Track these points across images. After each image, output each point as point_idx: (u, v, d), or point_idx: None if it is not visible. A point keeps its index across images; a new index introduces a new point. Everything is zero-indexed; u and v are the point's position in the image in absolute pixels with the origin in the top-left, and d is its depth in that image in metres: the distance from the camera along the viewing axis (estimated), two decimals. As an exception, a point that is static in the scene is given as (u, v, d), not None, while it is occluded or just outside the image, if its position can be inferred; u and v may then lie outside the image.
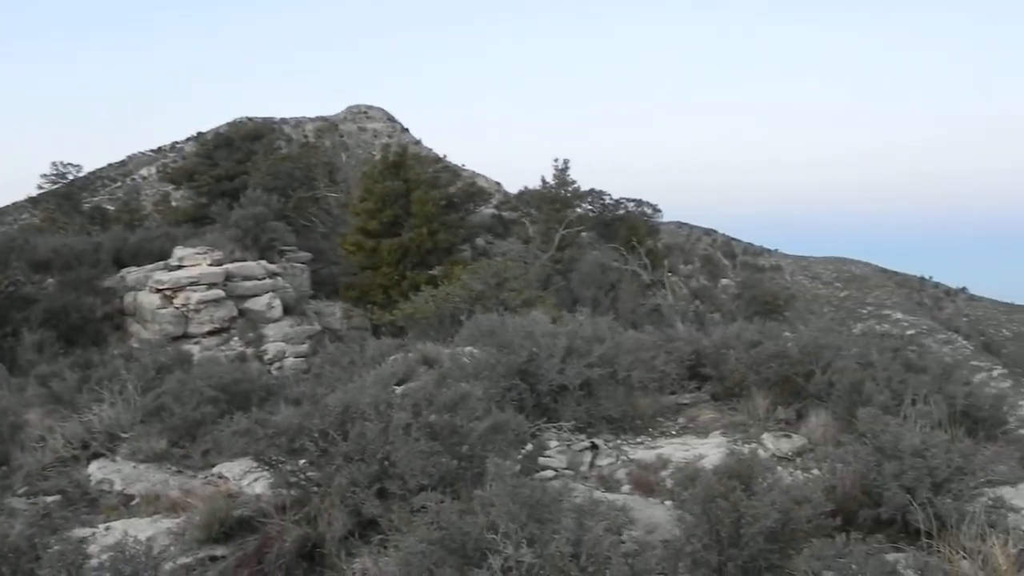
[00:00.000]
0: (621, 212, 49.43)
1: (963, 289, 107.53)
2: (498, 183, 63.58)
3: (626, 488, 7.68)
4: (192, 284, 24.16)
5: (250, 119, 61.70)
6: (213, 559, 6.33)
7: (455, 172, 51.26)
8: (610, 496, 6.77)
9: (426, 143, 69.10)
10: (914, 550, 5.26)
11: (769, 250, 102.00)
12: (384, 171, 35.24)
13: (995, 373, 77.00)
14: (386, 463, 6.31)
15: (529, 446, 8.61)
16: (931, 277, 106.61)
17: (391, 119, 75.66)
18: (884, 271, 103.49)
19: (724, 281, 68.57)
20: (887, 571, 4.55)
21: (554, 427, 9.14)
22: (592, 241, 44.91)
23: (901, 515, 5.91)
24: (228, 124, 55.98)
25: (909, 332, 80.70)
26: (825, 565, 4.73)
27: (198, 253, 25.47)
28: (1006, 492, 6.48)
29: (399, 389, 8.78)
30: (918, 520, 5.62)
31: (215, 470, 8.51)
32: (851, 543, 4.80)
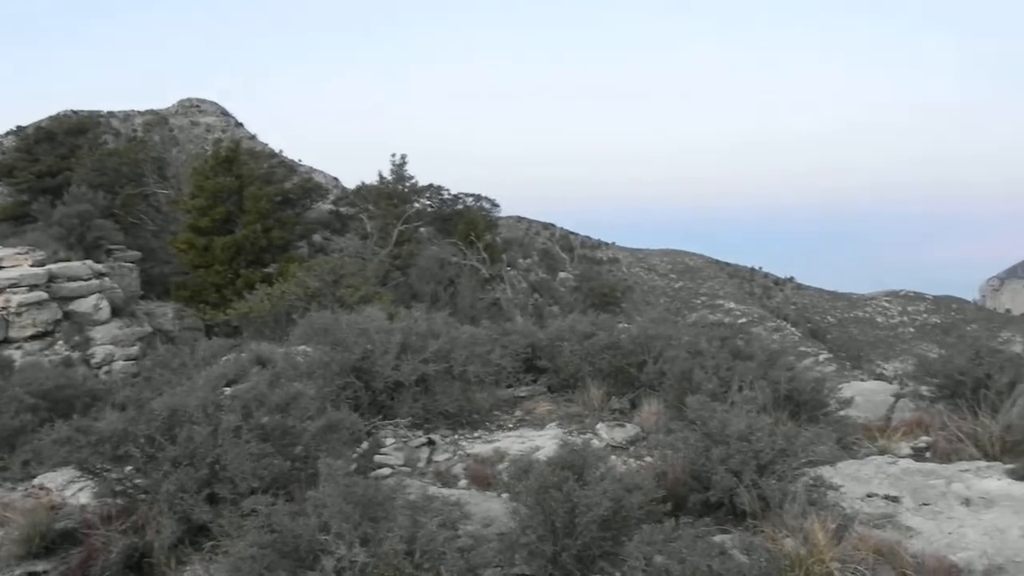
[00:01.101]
0: (460, 207, 49.80)
1: (791, 279, 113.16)
2: (336, 178, 63.03)
3: (463, 483, 7.85)
4: (12, 286, 23.23)
5: (75, 112, 59.22)
6: (33, 575, 6.15)
7: (291, 167, 50.60)
8: (446, 491, 6.91)
9: (263, 138, 67.71)
10: (740, 531, 5.60)
11: (607, 243, 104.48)
12: (216, 167, 34.49)
13: (821, 357, 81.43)
14: (216, 467, 6.26)
15: (365, 444, 8.66)
16: (761, 268, 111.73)
17: (225, 113, 73.80)
18: (717, 262, 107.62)
19: (562, 274, 69.77)
20: (714, 552, 4.84)
21: (390, 424, 9.24)
22: (431, 236, 45.11)
23: (729, 498, 6.28)
24: (50, 118, 53.41)
25: (741, 320, 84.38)
26: (656, 550, 4.99)
27: (18, 253, 24.45)
28: (826, 471, 6.96)
29: (229, 391, 8.67)
30: (744, 502, 5.98)
31: (36, 481, 8.22)
32: (680, 527, 5.08)
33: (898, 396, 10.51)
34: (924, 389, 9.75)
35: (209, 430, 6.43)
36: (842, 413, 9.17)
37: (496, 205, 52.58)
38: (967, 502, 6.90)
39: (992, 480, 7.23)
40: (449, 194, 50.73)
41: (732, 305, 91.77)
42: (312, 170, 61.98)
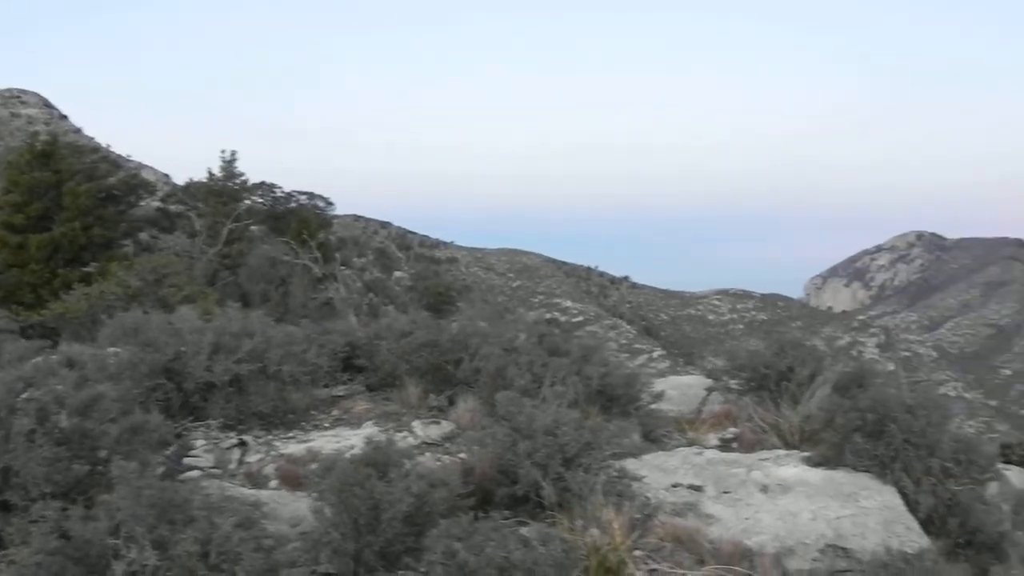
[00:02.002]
0: (293, 205, 48.87)
1: (626, 278, 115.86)
2: (167, 175, 60.82)
3: (274, 483, 7.77)
4: None
5: None
6: None
7: (115, 163, 48.46)
8: (248, 492, 6.85)
9: (89, 132, 64.60)
10: (540, 523, 5.74)
11: (445, 242, 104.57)
12: (32, 161, 32.77)
13: (655, 354, 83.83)
14: (8, 473, 6.02)
15: (174, 447, 8.46)
16: (597, 267, 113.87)
17: (48, 105, 70.23)
18: (554, 261, 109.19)
19: (398, 273, 69.35)
20: (512, 545, 4.95)
21: (202, 426, 9.04)
22: (263, 235, 44.13)
23: (535, 491, 6.41)
24: None
25: (577, 319, 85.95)
26: (456, 543, 5.07)
27: None
28: (631, 463, 7.21)
29: (26, 394, 8.32)
30: (547, 495, 6.14)
31: None
32: (479, 520, 5.17)
33: (710, 390, 10.95)
34: (733, 382, 10.20)
35: (0, 435, 6.18)
36: (654, 407, 9.51)
37: (330, 203, 51.89)
38: (765, 489, 7.27)
39: (789, 468, 7.64)
40: (282, 192, 49.73)
41: (569, 304, 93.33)
42: (141, 166, 59.76)
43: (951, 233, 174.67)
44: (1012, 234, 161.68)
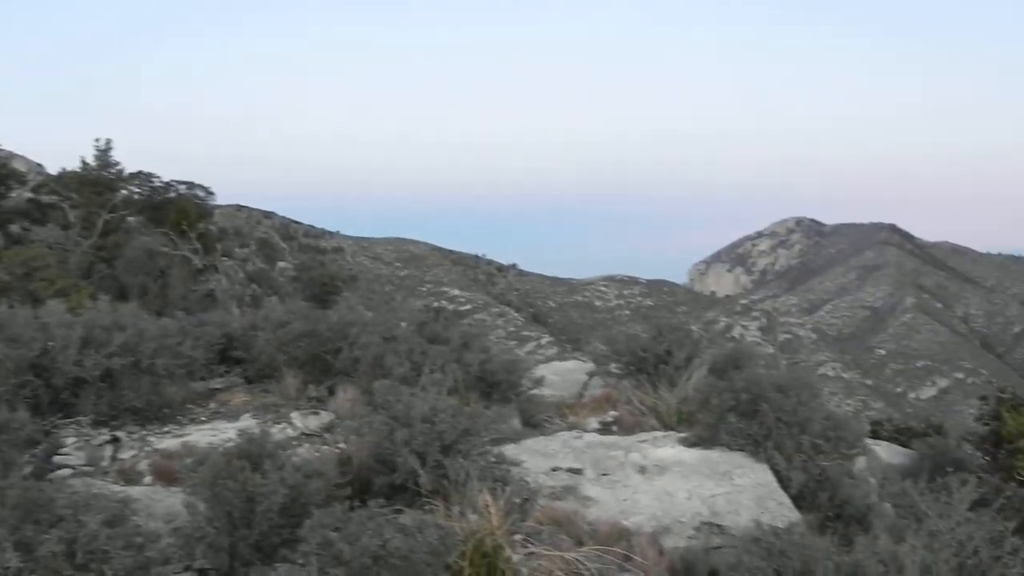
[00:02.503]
0: (172, 195, 47.59)
1: (514, 265, 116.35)
2: (39, 164, 58.53)
3: (148, 480, 7.59)
4: None
5: None
6: None
7: (-17, 153, 46.43)
8: (124, 489, 6.68)
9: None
10: (414, 511, 5.73)
11: (331, 232, 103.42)
12: None
13: (543, 341, 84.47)
14: None
15: (42, 445, 8.19)
16: (484, 255, 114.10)
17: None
18: (441, 250, 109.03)
19: (282, 264, 68.33)
20: (387, 533, 4.93)
21: (73, 423, 8.77)
22: (140, 226, 42.89)
23: (414, 479, 6.40)
24: None
25: (465, 307, 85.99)
26: (331, 533, 5.03)
27: None
28: (511, 449, 7.26)
29: None
30: (424, 483, 6.14)
31: None
32: (355, 510, 5.14)
33: (591, 374, 11.09)
34: (613, 367, 10.35)
35: None
36: (534, 392, 9.58)
37: (210, 193, 50.76)
38: (643, 470, 7.40)
39: (667, 448, 7.80)
40: (160, 181, 48.45)
41: (457, 292, 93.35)
42: (12, 155, 57.51)
43: (829, 219, 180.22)
44: (886, 219, 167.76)
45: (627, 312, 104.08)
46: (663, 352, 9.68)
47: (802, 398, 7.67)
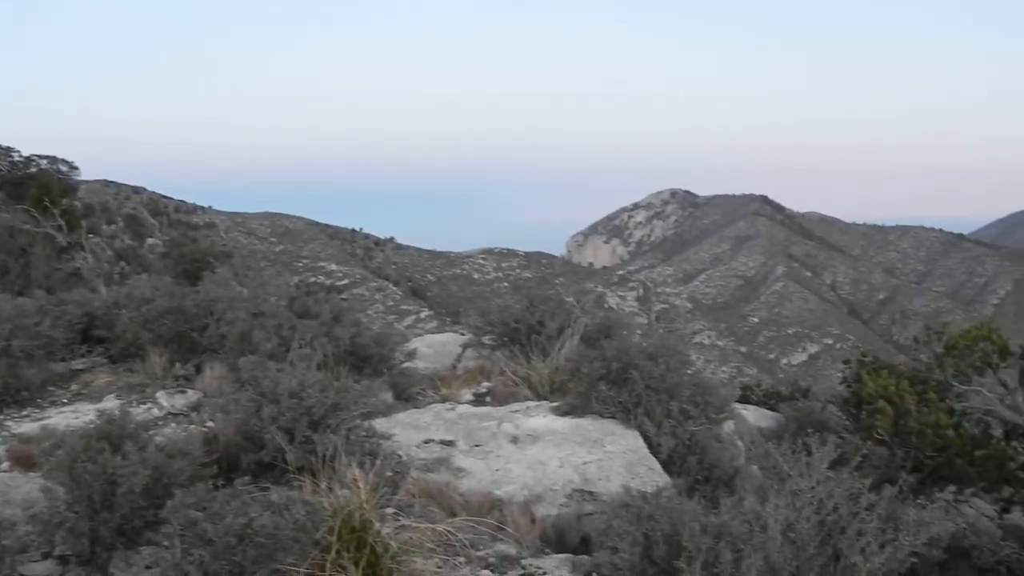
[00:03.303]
0: (33, 170, 45.75)
1: (391, 239, 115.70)
2: None
3: (5, 465, 7.31)
4: None
5: None
6: None
7: None
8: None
9: None
10: (281, 487, 5.65)
11: (203, 207, 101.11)
12: None
13: (423, 314, 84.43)
14: None
15: None
16: (361, 229, 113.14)
17: None
18: (317, 224, 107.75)
19: (151, 240, 66.49)
20: (254, 510, 4.85)
21: (-78, 410, 8.40)
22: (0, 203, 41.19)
23: (282, 456, 6.31)
24: None
25: (343, 282, 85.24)
26: (195, 513, 4.92)
27: None
28: (382, 422, 7.22)
29: None
30: (291, 459, 6.06)
31: None
32: (219, 489, 5.05)
33: (465, 346, 11.10)
34: (486, 338, 10.37)
35: None
36: (407, 365, 9.55)
37: (75, 167, 49.09)
38: (515, 440, 7.46)
39: (539, 418, 7.87)
40: (20, 156, 46.59)
41: (334, 267, 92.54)
42: None
43: (702, 191, 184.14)
44: (757, 191, 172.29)
45: (505, 284, 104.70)
46: (535, 323, 9.75)
47: (671, 365, 7.82)
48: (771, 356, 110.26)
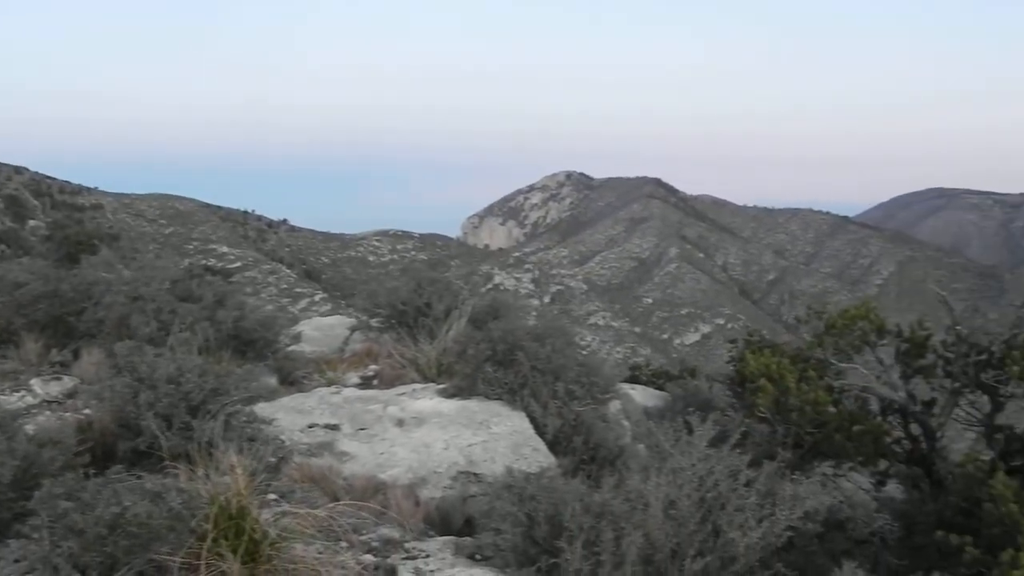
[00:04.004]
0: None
1: (285, 221, 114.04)
2: None
3: None
4: None
5: None
6: None
7: None
8: None
9: None
10: (155, 475, 5.53)
11: (89, 188, 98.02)
12: None
13: (317, 297, 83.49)
14: None
15: None
16: (254, 210, 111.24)
17: None
18: (208, 206, 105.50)
19: (33, 222, 64.39)
20: (127, 499, 4.73)
21: None
22: None
23: (160, 443, 6.17)
24: None
25: (235, 265, 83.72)
26: (67, 501, 4.79)
27: None
28: (265, 407, 7.12)
29: None
30: (167, 447, 5.94)
31: None
32: (89, 477, 4.92)
33: (353, 329, 11.02)
34: (374, 321, 10.31)
35: None
36: (292, 349, 9.43)
37: (-58, 149, 47.32)
38: (401, 423, 7.43)
39: (425, 400, 7.86)
40: None
41: (226, 249, 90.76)
42: None
43: (597, 173, 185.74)
44: (651, 174, 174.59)
45: (401, 267, 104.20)
46: (423, 305, 9.73)
47: (556, 346, 7.88)
48: (665, 336, 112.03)
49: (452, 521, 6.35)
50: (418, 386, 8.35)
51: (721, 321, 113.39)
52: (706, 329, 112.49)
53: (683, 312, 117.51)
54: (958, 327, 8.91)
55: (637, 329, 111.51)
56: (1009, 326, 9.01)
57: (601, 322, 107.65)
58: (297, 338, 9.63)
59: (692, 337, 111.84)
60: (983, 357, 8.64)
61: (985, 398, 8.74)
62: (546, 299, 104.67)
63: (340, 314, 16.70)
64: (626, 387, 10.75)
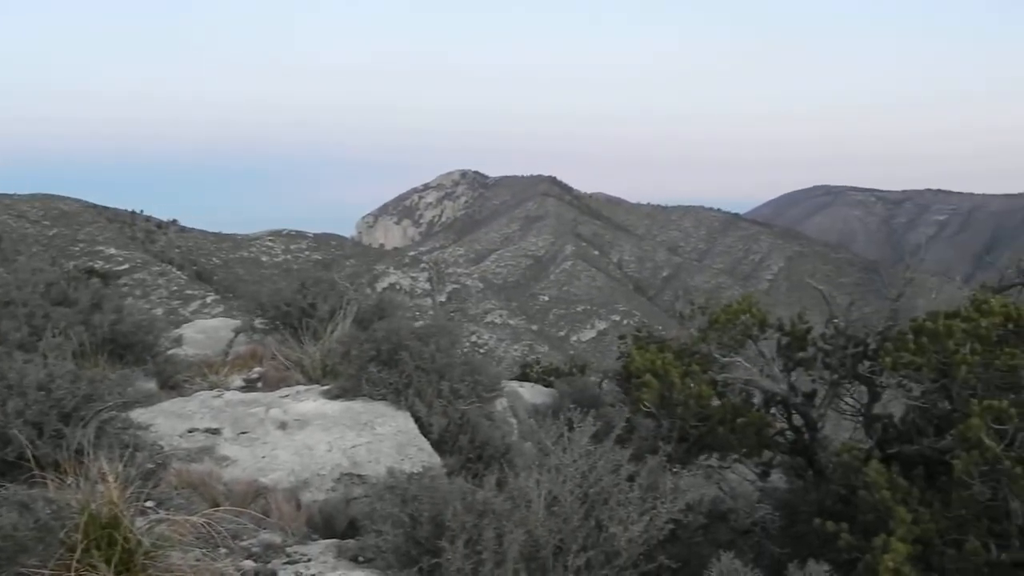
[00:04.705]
0: None
1: (174, 222, 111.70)
2: None
3: None
4: None
5: None
6: None
7: None
8: None
9: None
10: (25, 485, 5.38)
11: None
12: None
13: (209, 299, 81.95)
14: None
15: None
16: (143, 211, 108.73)
17: None
18: (95, 207, 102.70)
19: (-99, 224, 62.00)
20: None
21: None
22: None
23: (31, 452, 5.99)
24: None
25: (123, 267, 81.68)
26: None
27: None
28: (142, 413, 6.97)
29: None
30: (44, 455, 5.78)
31: None
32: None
33: (237, 331, 10.85)
34: (258, 322, 10.17)
35: None
36: (173, 352, 9.24)
37: None
38: (283, 426, 7.34)
39: (309, 402, 7.78)
40: None
41: (114, 251, 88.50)
42: None
43: (492, 172, 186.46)
44: (546, 172, 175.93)
45: (295, 267, 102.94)
46: (307, 305, 9.64)
47: (441, 345, 7.88)
48: (561, 333, 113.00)
49: (335, 524, 6.30)
50: (302, 388, 8.26)
51: (617, 318, 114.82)
52: (602, 326, 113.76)
53: (579, 309, 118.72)
54: (835, 320, 9.15)
55: (534, 327, 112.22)
56: (884, 319, 9.30)
57: (498, 320, 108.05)
58: (179, 341, 9.44)
59: (588, 334, 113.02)
60: (860, 349, 8.88)
61: (863, 389, 8.98)
62: (442, 298, 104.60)
63: (225, 316, 16.45)
64: (515, 385, 10.80)
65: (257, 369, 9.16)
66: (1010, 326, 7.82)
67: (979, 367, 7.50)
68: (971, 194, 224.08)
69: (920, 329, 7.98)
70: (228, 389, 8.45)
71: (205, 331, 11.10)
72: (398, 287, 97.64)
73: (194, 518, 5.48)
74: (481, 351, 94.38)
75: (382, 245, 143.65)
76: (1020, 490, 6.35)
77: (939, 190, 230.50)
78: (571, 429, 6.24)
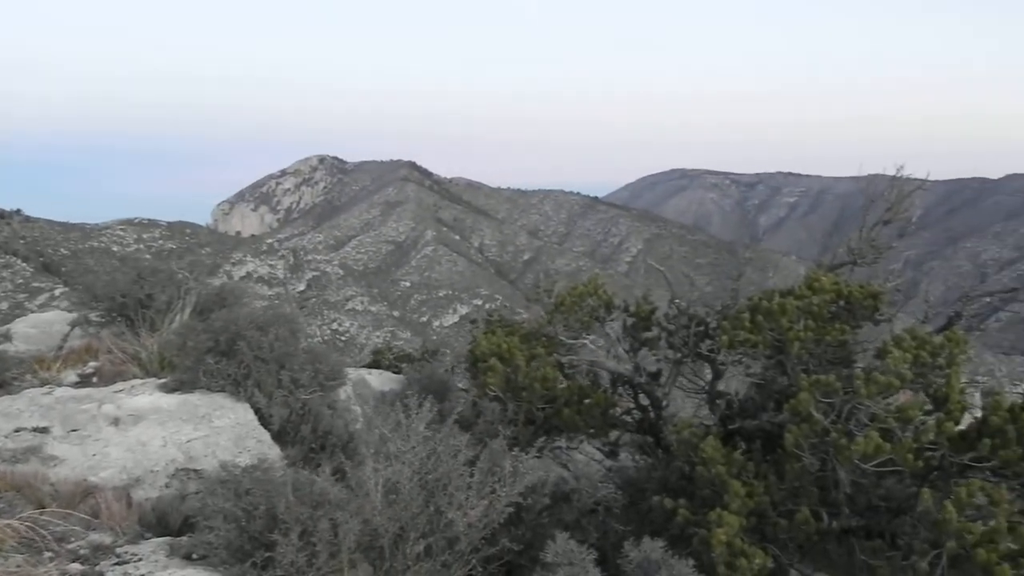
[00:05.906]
0: None
1: (19, 211, 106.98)
2: None
3: None
4: None
5: None
6: None
7: None
8: None
9: None
10: None
11: None
12: None
13: (57, 292, 78.82)
14: None
15: None
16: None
17: None
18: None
19: None
20: None
21: None
22: None
23: None
24: None
25: (-39, 261, 77.83)
26: None
27: None
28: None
29: None
30: None
31: None
32: None
33: (73, 324, 10.45)
34: (93, 315, 9.82)
35: None
36: (1, 348, 8.86)
37: None
38: (116, 421, 7.11)
39: (144, 397, 7.55)
40: None
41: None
42: None
43: (351, 157, 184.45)
44: (405, 157, 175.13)
45: (148, 256, 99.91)
46: (144, 296, 9.34)
47: (280, 335, 7.75)
48: (424, 319, 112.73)
49: (170, 521, 6.13)
50: (138, 382, 8.01)
51: (479, 302, 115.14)
52: (464, 310, 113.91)
53: (441, 294, 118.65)
54: (677, 301, 9.34)
55: (396, 313, 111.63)
56: (724, 298, 9.54)
57: (359, 307, 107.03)
58: (7, 336, 9.04)
59: (451, 319, 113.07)
60: (701, 328, 9.08)
61: (706, 367, 9.19)
62: (301, 286, 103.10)
63: (59, 309, 15.78)
64: (363, 372, 10.72)
65: (92, 364, 8.84)
66: (841, 303, 8.11)
67: (811, 343, 7.77)
68: (820, 176, 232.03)
69: (756, 307, 8.20)
70: (60, 385, 8.13)
71: (38, 325, 10.64)
72: (255, 275, 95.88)
73: (15, 522, 5.27)
74: (342, 339, 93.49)
75: (239, 233, 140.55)
76: (846, 460, 6.60)
77: (790, 173, 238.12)
78: (407, 416, 6.23)
